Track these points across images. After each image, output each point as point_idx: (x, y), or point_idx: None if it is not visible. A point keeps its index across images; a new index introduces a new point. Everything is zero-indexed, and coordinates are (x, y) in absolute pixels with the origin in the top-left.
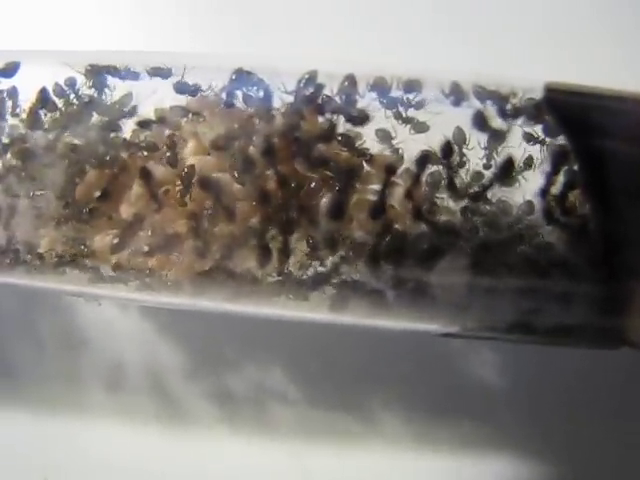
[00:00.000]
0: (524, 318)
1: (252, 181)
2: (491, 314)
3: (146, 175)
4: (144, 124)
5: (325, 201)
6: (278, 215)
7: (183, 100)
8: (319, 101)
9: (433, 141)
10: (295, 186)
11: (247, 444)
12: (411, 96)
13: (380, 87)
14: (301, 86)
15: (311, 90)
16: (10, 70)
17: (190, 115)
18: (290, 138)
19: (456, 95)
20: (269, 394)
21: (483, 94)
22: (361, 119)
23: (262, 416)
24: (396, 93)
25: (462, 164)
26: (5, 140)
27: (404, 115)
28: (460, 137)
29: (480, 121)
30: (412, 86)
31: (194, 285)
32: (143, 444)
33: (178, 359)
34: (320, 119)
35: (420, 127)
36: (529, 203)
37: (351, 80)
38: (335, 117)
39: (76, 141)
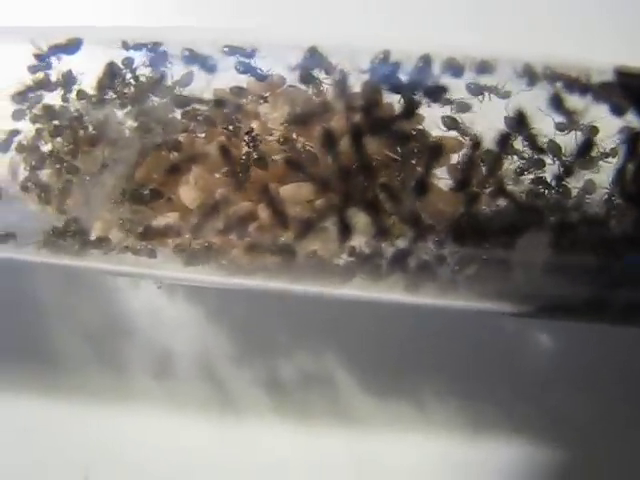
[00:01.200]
0: (600, 295)
1: (334, 159)
2: (568, 292)
3: (226, 153)
4: (218, 103)
5: (408, 179)
6: (359, 193)
7: (244, 80)
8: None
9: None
10: (378, 164)
11: (297, 431)
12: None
13: (454, 68)
14: (376, 64)
15: (387, 69)
16: (72, 47)
17: (251, 96)
18: (373, 116)
19: (529, 76)
20: (320, 380)
21: (553, 76)
22: (439, 94)
23: (312, 403)
24: (469, 74)
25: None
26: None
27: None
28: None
29: (557, 102)
30: (485, 68)
31: (264, 266)
32: (191, 432)
33: (227, 346)
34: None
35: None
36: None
37: (426, 60)
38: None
39: (138, 121)
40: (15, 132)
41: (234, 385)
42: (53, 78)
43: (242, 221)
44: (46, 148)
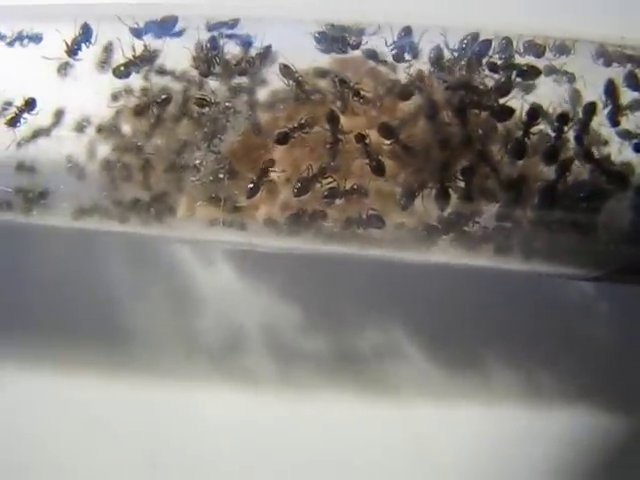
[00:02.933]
0: None
1: (436, 128)
2: None
3: (333, 119)
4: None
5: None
6: (459, 160)
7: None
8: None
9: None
10: (478, 132)
11: (366, 404)
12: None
13: (534, 49)
14: (466, 44)
15: (479, 48)
16: (169, 23)
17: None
18: (474, 90)
19: (605, 57)
20: (389, 353)
21: (623, 57)
22: (533, 74)
23: (382, 376)
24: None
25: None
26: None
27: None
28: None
29: (633, 80)
30: (563, 49)
31: (355, 234)
32: (261, 408)
33: (296, 320)
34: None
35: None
36: None
37: (508, 41)
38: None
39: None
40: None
41: (303, 360)
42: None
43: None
44: (126, 128)
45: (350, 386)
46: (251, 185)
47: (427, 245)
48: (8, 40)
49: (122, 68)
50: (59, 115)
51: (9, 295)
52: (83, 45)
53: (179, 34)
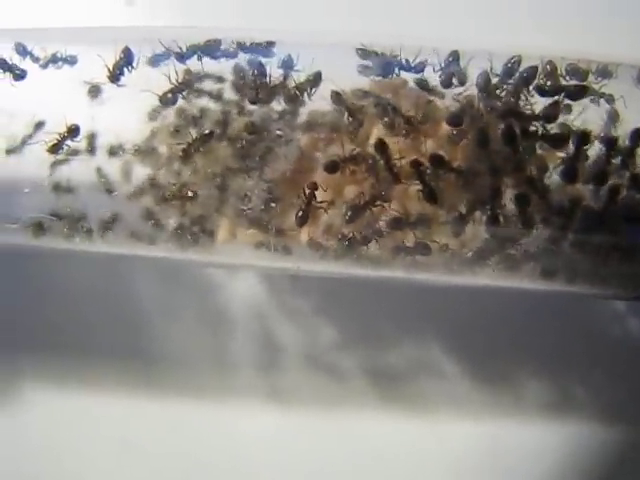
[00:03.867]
0: None
1: (487, 155)
2: None
3: (383, 149)
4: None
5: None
6: (510, 186)
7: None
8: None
9: None
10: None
11: (401, 421)
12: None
13: (578, 73)
14: (509, 68)
15: (526, 74)
16: (213, 47)
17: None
18: (524, 117)
19: None
20: (424, 371)
21: None
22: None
23: (418, 393)
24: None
25: None
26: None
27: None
28: None
29: None
30: (606, 72)
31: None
32: (296, 426)
33: (331, 338)
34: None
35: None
36: None
37: (552, 66)
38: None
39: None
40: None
41: (340, 376)
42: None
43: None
44: (162, 149)
45: (385, 404)
46: (300, 212)
47: (473, 269)
48: (42, 62)
49: (169, 95)
50: (92, 138)
51: (40, 315)
52: (125, 69)
53: (221, 57)
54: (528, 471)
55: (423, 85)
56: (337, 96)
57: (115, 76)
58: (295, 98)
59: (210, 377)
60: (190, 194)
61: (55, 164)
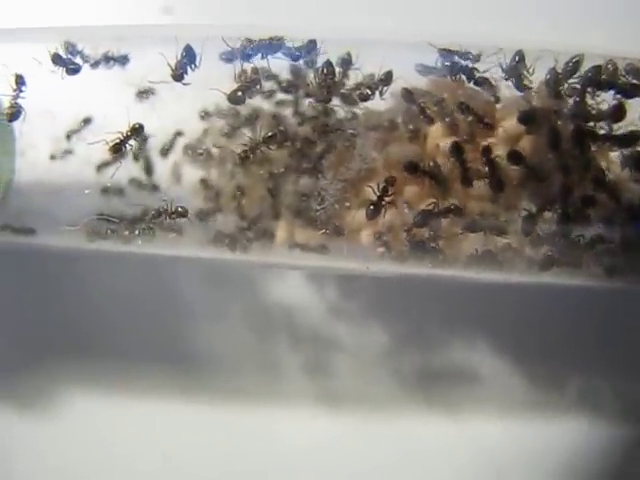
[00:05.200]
0: None
1: (558, 154)
2: None
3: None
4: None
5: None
6: (580, 185)
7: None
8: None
9: None
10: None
11: (451, 423)
12: None
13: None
14: (571, 67)
15: (591, 73)
16: (276, 45)
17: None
18: (591, 115)
19: None
20: (475, 372)
21: None
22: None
23: (468, 395)
24: None
25: None
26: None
27: None
28: None
29: None
30: None
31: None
32: (346, 429)
33: (381, 339)
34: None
35: None
36: None
37: (613, 65)
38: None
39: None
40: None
41: (387, 379)
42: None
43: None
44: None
45: (435, 405)
46: (372, 206)
47: (538, 269)
48: (92, 61)
49: (238, 93)
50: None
51: (81, 318)
52: (188, 67)
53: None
54: (583, 470)
55: (483, 84)
56: (408, 94)
57: (178, 75)
58: (367, 97)
59: (257, 381)
60: (248, 195)
61: (102, 166)
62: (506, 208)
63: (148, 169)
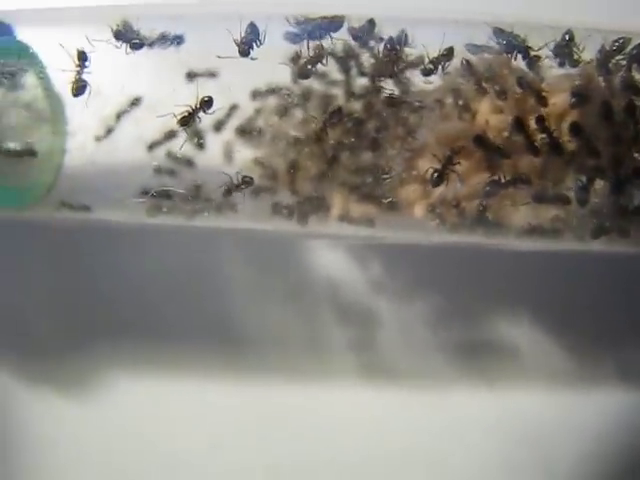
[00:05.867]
0: None
1: (611, 126)
2: None
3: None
4: None
5: None
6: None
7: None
8: None
9: None
10: None
11: (498, 395)
12: None
13: None
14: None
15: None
16: (336, 23)
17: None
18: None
19: None
20: (520, 345)
21: None
22: None
23: (514, 367)
24: None
25: None
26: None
27: None
28: None
29: None
30: None
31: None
32: (392, 404)
33: (427, 311)
34: None
35: None
36: None
37: None
38: None
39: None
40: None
41: (434, 352)
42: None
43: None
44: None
45: (478, 379)
46: (436, 173)
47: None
48: (148, 41)
49: (309, 67)
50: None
51: (123, 298)
52: (254, 44)
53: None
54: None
55: (535, 62)
56: (468, 65)
57: (245, 51)
58: (430, 72)
59: (302, 358)
60: (303, 171)
61: (153, 145)
62: (560, 180)
63: (200, 145)
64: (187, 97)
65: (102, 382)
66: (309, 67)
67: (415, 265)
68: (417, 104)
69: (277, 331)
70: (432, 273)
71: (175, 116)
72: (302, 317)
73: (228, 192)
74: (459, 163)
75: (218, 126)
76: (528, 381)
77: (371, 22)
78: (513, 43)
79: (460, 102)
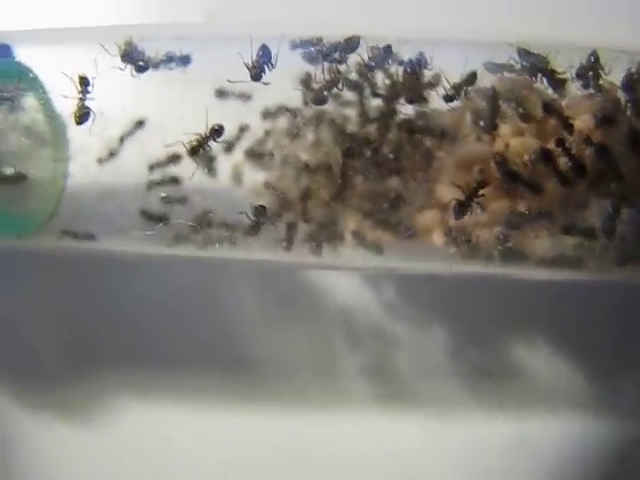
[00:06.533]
0: None
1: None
2: None
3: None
4: None
5: None
6: None
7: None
8: None
9: None
10: None
11: (512, 420)
12: None
13: None
14: None
15: None
16: (353, 44)
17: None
18: None
19: None
20: (535, 369)
21: None
22: None
23: (528, 391)
24: None
25: None
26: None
27: None
28: None
29: None
30: None
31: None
32: (407, 429)
33: (442, 337)
34: None
35: None
36: None
37: None
38: None
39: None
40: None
41: (451, 379)
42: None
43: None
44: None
45: (498, 405)
46: (459, 205)
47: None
48: (153, 62)
49: (324, 93)
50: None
51: (133, 324)
52: (265, 67)
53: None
54: None
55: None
56: (494, 94)
57: (257, 75)
58: (453, 98)
59: (316, 385)
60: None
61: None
62: (583, 206)
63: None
64: (193, 120)
65: (107, 409)
66: (324, 93)
67: (430, 290)
68: (439, 129)
69: (288, 357)
70: (447, 298)
71: (184, 145)
72: (315, 343)
73: (254, 228)
74: (483, 195)
75: (229, 147)
76: (546, 407)
77: (388, 48)
78: (538, 66)
79: (480, 124)
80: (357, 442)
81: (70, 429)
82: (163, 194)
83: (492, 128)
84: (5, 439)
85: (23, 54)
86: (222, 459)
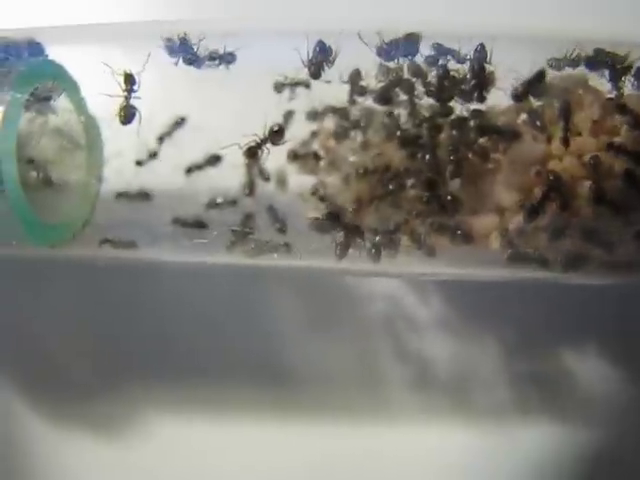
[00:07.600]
0: None
1: None
2: None
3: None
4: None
5: None
6: None
7: None
8: None
9: None
10: None
11: (560, 426)
12: None
13: None
14: None
15: None
16: (412, 42)
17: None
18: None
19: None
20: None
21: None
22: None
23: (578, 398)
24: None
25: None
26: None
27: None
28: None
29: None
30: None
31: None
32: (450, 442)
33: (485, 350)
34: None
35: None
36: None
37: None
38: None
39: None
40: None
41: (492, 391)
42: None
43: None
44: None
45: (551, 414)
46: (532, 208)
47: None
48: (198, 60)
49: (388, 92)
50: None
51: (164, 334)
52: (325, 65)
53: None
54: None
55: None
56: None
57: (315, 72)
58: (522, 97)
59: (360, 397)
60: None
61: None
62: None
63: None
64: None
65: (136, 422)
66: (388, 92)
67: (476, 297)
68: (511, 130)
69: (329, 368)
70: (494, 305)
71: (240, 147)
72: (359, 354)
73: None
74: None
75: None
76: (602, 415)
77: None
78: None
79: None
80: (404, 456)
81: (97, 443)
82: (219, 200)
83: (566, 142)
84: (29, 452)
85: (55, 52)
86: (259, 476)
